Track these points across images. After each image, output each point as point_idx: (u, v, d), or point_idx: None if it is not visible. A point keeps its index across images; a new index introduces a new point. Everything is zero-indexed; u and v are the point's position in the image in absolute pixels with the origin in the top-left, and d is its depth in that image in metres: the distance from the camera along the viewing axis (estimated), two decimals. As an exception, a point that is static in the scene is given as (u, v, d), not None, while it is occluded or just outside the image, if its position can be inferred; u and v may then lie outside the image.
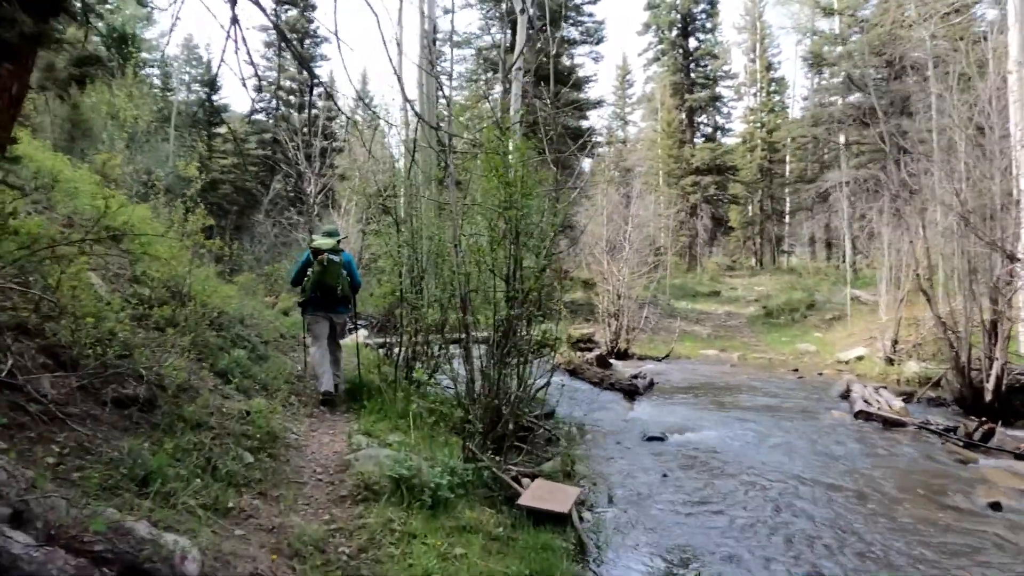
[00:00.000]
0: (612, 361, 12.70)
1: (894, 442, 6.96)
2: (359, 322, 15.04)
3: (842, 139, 28.00)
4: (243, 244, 23.67)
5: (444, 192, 8.63)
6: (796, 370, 12.79)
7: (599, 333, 15.06)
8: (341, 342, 6.73)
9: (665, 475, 5.55)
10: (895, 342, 11.89)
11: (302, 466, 4.49)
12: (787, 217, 37.40)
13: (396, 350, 8.15)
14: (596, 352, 12.54)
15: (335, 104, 24.85)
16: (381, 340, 10.13)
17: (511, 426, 5.00)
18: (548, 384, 5.28)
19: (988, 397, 8.13)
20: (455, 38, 24.35)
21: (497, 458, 4.87)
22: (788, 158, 36.08)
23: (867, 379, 11.07)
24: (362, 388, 6.44)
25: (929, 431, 7.32)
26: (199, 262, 8.14)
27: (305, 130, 24.92)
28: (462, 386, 5.95)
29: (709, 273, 31.62)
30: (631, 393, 9.49)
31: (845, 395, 9.48)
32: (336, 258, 6.09)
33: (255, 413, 4.85)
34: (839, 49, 27.08)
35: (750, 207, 39.24)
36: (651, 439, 6.82)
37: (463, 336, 5.82)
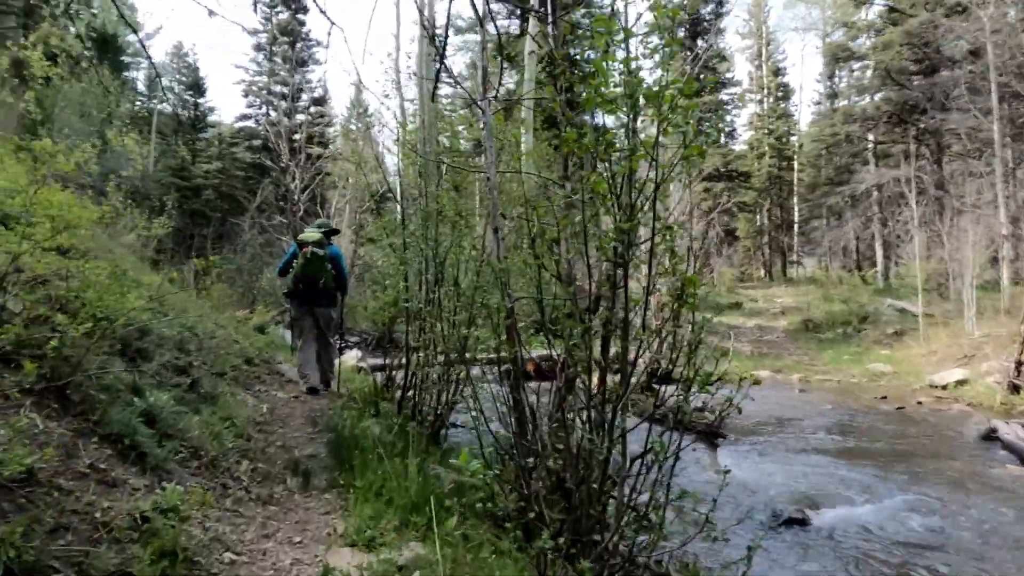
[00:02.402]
0: (655, 386, 10.49)
1: None
2: (350, 339, 12.87)
3: (871, 138, 26.22)
4: (224, 253, 21.45)
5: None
6: (884, 397, 10.60)
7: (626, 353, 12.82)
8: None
9: (869, 610, 3.37)
10: (1020, 364, 9.74)
11: (231, 641, 2.29)
12: (796, 226, 36.08)
13: (399, 375, 6.17)
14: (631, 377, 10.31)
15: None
16: (379, 362, 8.22)
17: (616, 539, 2.82)
18: (676, 457, 3.08)
19: None
20: (459, 22, 22.42)
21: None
22: (797, 165, 34.62)
23: (984, 410, 8.91)
24: (352, 446, 4.25)
25: None
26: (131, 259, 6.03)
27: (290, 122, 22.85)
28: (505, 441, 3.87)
29: (726, 284, 29.54)
30: (711, 436, 7.25)
31: (990, 436, 7.31)
32: (320, 251, 5.94)
33: (158, 516, 2.69)
34: (868, 42, 25.24)
35: (759, 216, 37.48)
36: (789, 521, 4.62)
37: (511, 365, 3.80)
